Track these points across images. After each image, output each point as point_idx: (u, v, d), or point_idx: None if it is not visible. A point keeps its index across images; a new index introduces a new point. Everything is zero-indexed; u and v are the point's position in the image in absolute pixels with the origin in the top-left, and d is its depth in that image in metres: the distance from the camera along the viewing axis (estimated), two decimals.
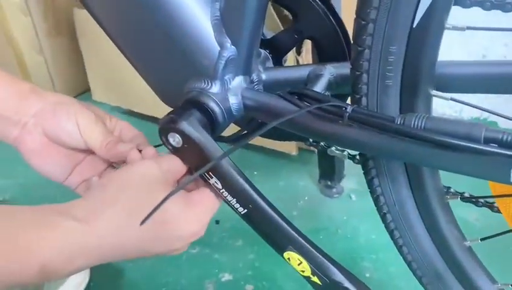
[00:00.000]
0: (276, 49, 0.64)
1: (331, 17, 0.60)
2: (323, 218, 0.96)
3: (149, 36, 0.53)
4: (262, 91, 0.56)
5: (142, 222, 0.39)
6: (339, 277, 0.51)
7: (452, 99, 0.44)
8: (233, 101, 0.53)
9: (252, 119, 0.60)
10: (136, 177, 0.44)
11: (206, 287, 0.84)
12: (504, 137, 0.36)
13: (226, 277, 0.86)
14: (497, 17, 0.50)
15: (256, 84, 0.56)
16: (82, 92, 1.48)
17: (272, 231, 0.52)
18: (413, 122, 0.41)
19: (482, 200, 0.53)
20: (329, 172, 0.98)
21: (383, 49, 0.43)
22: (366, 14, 0.42)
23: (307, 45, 0.91)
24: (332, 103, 0.45)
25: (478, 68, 0.46)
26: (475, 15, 0.49)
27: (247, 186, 0.50)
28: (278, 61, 0.64)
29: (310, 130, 0.49)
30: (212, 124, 0.53)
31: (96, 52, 1.29)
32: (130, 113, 1.34)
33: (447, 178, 0.50)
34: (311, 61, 0.82)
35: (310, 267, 0.51)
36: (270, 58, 0.63)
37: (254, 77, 0.56)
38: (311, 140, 0.83)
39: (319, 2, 0.60)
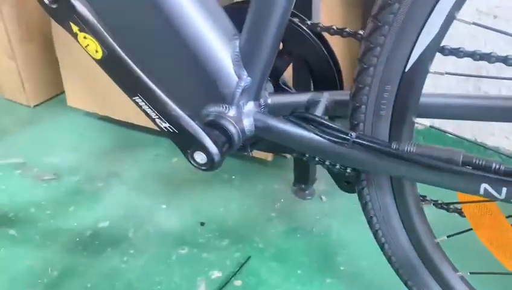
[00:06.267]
0: (273, 72, 0.72)
1: (317, 40, 0.68)
2: (299, 218, 1.06)
3: (173, 69, 0.60)
4: (270, 114, 0.65)
5: None
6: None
7: (431, 126, 0.56)
8: (247, 123, 0.62)
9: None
10: None
11: (198, 284, 0.92)
12: (477, 161, 0.48)
13: (216, 274, 0.94)
14: None
15: (263, 108, 0.65)
16: (55, 96, 1.51)
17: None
18: (406, 148, 0.51)
19: (451, 206, 0.66)
20: (304, 176, 1.09)
21: (380, 88, 0.54)
22: (367, 59, 0.53)
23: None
24: (339, 128, 0.55)
25: (454, 100, 0.57)
26: None
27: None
28: (276, 83, 0.72)
29: (317, 149, 0.59)
30: (229, 142, 0.62)
31: (72, 58, 1.32)
32: (106, 119, 1.38)
33: (422, 188, 0.61)
34: None
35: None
36: (270, 81, 0.72)
37: (262, 101, 0.65)
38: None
39: (304, 28, 0.68)
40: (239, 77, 0.60)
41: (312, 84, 0.69)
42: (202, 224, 1.05)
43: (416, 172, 0.52)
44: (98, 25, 0.51)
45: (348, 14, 1.24)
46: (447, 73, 0.53)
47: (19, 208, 1.10)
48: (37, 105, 1.49)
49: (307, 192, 1.11)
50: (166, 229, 1.04)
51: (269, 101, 0.66)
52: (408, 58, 0.51)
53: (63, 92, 1.43)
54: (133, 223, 1.06)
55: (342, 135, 0.55)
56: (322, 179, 1.15)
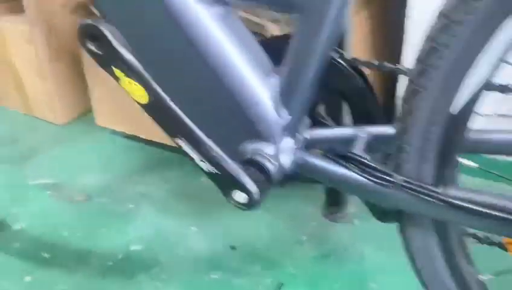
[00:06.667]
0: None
1: (357, 75, 0.68)
2: (331, 242, 1.05)
3: (214, 109, 0.60)
4: (308, 149, 0.64)
5: None
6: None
7: (480, 168, 0.54)
8: (286, 160, 0.61)
9: None
10: None
11: None
12: None
13: None
14: None
15: (301, 143, 0.64)
16: (82, 114, 1.52)
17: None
18: (455, 194, 0.50)
19: (497, 243, 0.64)
20: (336, 199, 1.07)
21: (425, 129, 0.52)
22: (413, 102, 0.51)
23: None
24: (383, 170, 0.54)
25: (501, 136, 0.55)
26: None
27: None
28: (312, 116, 0.71)
29: (358, 189, 0.58)
30: (268, 179, 0.61)
31: (101, 78, 1.33)
32: (133, 138, 1.39)
33: None
34: None
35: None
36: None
37: (300, 136, 0.64)
38: None
39: (345, 65, 0.67)
40: (278, 115, 0.59)
41: (352, 119, 0.68)
42: (233, 248, 1.05)
43: (464, 218, 0.50)
44: (144, 72, 0.51)
45: (375, 44, 1.23)
46: (498, 115, 0.52)
47: (51, 231, 1.11)
48: (65, 124, 1.51)
49: (338, 215, 1.10)
50: (198, 253, 1.04)
51: (308, 136, 0.65)
52: (454, 101, 0.50)
53: (91, 111, 1.44)
54: (164, 246, 1.06)
55: (387, 177, 0.54)
56: (355, 202, 1.13)
